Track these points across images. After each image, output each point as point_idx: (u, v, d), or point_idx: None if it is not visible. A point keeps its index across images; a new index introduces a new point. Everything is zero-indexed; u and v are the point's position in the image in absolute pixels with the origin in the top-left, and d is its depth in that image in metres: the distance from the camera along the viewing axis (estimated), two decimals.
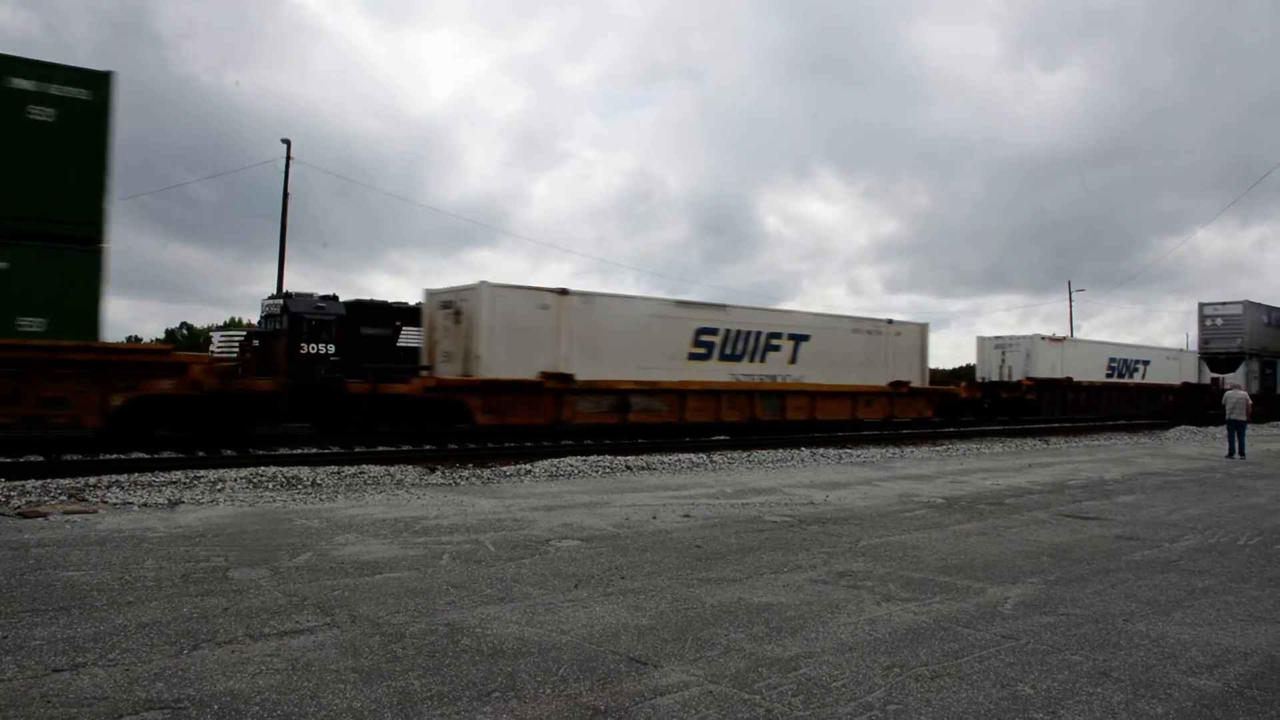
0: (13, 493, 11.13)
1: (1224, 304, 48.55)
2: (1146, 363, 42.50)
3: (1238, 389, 23.37)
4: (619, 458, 17.49)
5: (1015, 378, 36.23)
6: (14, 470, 13.19)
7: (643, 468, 16.46)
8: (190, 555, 7.67)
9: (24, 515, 9.63)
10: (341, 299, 26.81)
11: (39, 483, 11.97)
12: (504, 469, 15.51)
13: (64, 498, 11.01)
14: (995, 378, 36.93)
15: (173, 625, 5.56)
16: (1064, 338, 38.51)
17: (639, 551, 8.35)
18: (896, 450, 22.54)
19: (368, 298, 27.88)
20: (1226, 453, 22.43)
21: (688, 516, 10.53)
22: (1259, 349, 47.64)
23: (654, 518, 10.36)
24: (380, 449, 18.13)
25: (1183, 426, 37.38)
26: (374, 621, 5.77)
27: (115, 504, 10.57)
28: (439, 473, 14.81)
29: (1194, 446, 26.47)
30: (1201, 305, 49.26)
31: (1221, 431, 25.30)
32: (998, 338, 37.99)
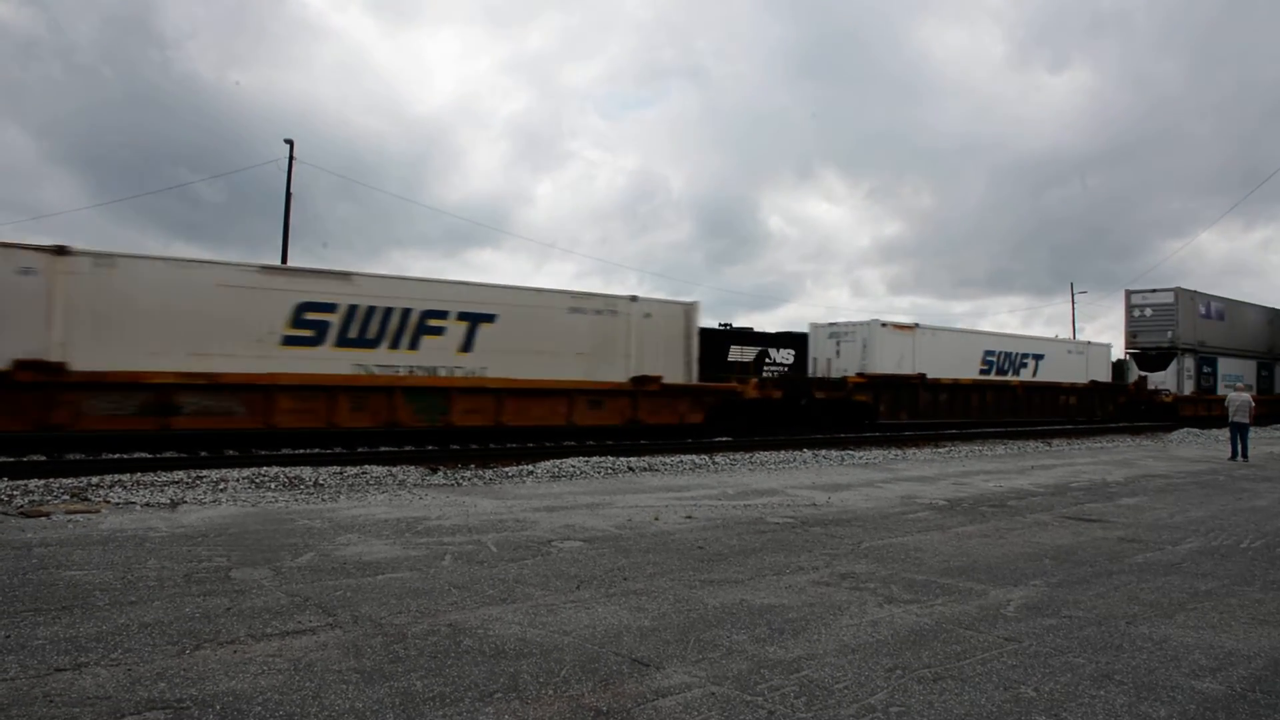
0: (15, 492, 11.15)
1: (1153, 291, 42.07)
2: (1039, 357, 36.23)
3: (1240, 391, 23.32)
4: (621, 459, 17.49)
5: (850, 373, 28.98)
6: (17, 470, 13.21)
7: (645, 469, 16.46)
8: (193, 555, 7.68)
9: (27, 515, 9.64)
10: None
11: (41, 482, 11.99)
12: (506, 469, 15.51)
13: (66, 497, 11.02)
14: (826, 374, 29.90)
15: (175, 625, 5.56)
16: (915, 325, 30.85)
17: (641, 553, 8.35)
18: (899, 452, 22.52)
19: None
20: (1229, 455, 22.40)
21: (690, 518, 10.52)
22: (1194, 343, 41.68)
23: (656, 519, 10.35)
24: (383, 449, 18.12)
25: (1185, 429, 37.21)
26: (376, 622, 5.77)
27: (118, 504, 10.58)
28: (441, 473, 14.81)
29: (1196, 449, 26.44)
30: (1129, 293, 42.56)
31: (1224, 434, 25.26)
32: (833, 325, 30.68)
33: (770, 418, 25.74)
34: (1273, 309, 49.59)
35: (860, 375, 28.56)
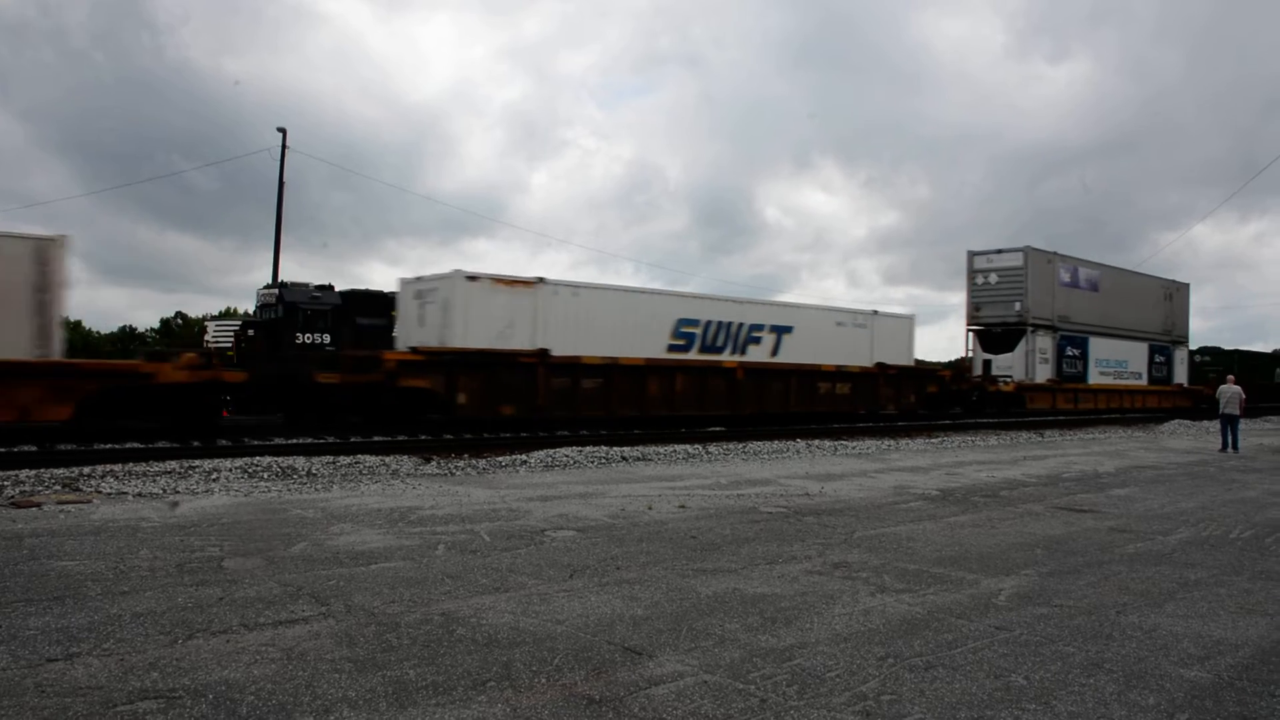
0: (6, 482, 11.12)
1: (999, 252, 33.77)
2: (782, 330, 25.61)
3: (1232, 383, 23.41)
4: (614, 448, 17.49)
5: (430, 344, 20.12)
6: (8, 460, 13.17)
7: (638, 458, 16.47)
8: (185, 545, 7.67)
9: (18, 505, 9.62)
10: (337, 289, 26.84)
11: (33, 472, 11.95)
12: (499, 459, 15.51)
13: (58, 487, 10.99)
14: (414, 344, 20.70)
15: (167, 615, 5.56)
16: (538, 280, 21.00)
17: (634, 542, 8.36)
18: (892, 442, 22.57)
19: (363, 287, 27.89)
20: (1220, 447, 22.51)
21: (683, 507, 10.54)
22: (1050, 318, 34.12)
23: (649, 508, 10.37)
24: (376, 439, 18.10)
25: (1176, 421, 37.26)
26: (369, 611, 5.77)
27: (110, 494, 10.56)
28: (434, 463, 14.81)
29: (1188, 440, 26.56)
30: (971, 255, 34.55)
31: (1215, 425, 25.38)
32: (419, 279, 21.40)
33: (195, 411, 17.69)
34: (1170, 281, 43.26)
35: (421, 350, 19.93)
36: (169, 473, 12.34)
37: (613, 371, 21.94)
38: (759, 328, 25.30)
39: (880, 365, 28.46)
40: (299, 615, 5.64)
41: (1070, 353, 35.22)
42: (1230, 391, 22.81)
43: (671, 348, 23.43)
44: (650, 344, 22.95)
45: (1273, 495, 13.31)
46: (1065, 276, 35.43)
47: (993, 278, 33.82)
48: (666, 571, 7.18)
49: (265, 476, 12.50)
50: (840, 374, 27.22)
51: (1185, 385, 43.53)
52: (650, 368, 22.60)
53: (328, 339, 25.34)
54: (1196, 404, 42.33)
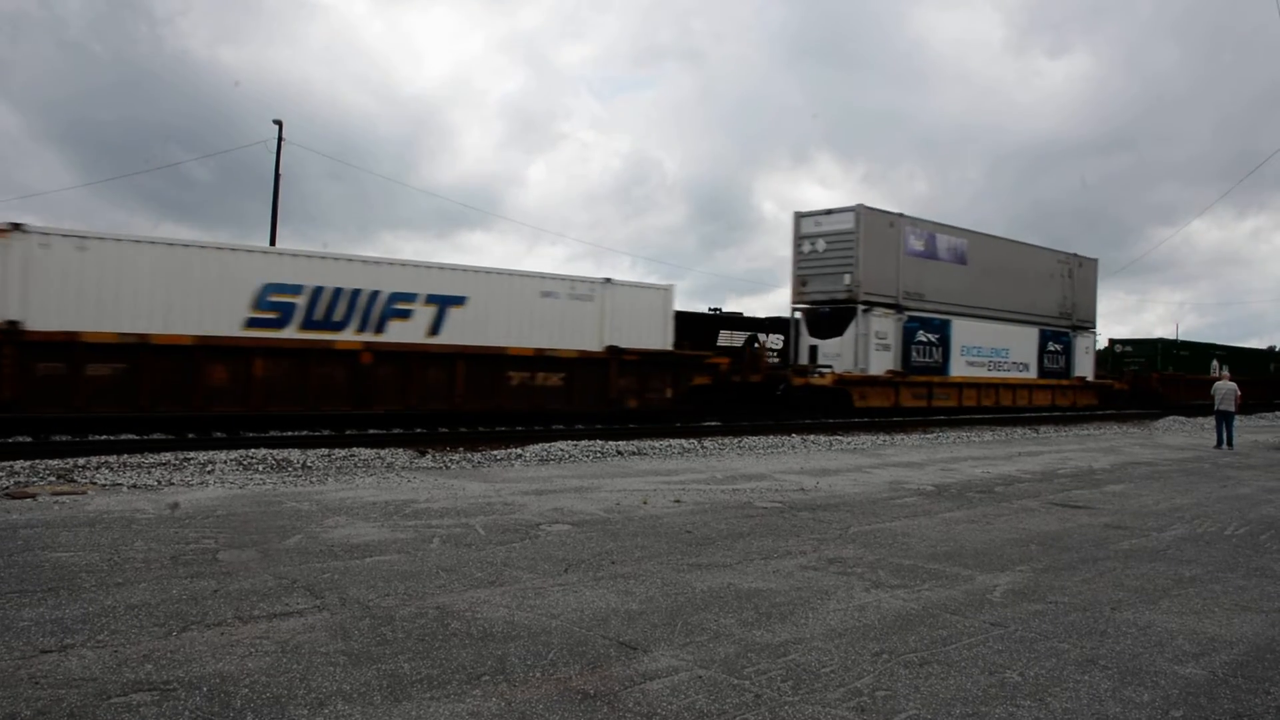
0: (1, 473, 11.09)
1: (829, 213, 27.03)
2: (452, 301, 19.75)
3: (1226, 379, 23.44)
4: (610, 443, 17.50)
5: None
6: (2, 451, 13.14)
7: (634, 453, 16.48)
8: (180, 537, 7.66)
9: (12, 496, 9.59)
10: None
11: (27, 463, 11.93)
12: (495, 453, 15.50)
13: (53, 479, 10.97)
14: None
15: (162, 607, 5.55)
16: (10, 226, 15.23)
17: (629, 536, 8.36)
18: (887, 437, 22.59)
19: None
20: (1215, 443, 22.56)
21: (678, 502, 10.54)
22: (894, 295, 27.55)
23: (645, 503, 10.37)
24: (371, 432, 18.08)
25: (1171, 417, 37.25)
26: (364, 604, 5.77)
27: (104, 485, 10.54)
28: (429, 456, 14.80)
29: (1182, 437, 26.62)
30: (798, 217, 28.11)
31: (1209, 422, 25.43)
32: None
33: None
34: (1069, 255, 36.07)
35: None
36: (164, 464, 12.32)
37: (142, 354, 16.03)
38: (406, 298, 19.15)
39: (613, 349, 22.00)
40: (294, 608, 5.63)
41: (923, 338, 28.43)
42: (1225, 388, 22.85)
43: (254, 322, 17.46)
44: (220, 318, 17.08)
45: (1267, 492, 13.34)
46: (916, 244, 28.27)
47: (820, 245, 26.69)
48: (661, 566, 7.18)
49: (260, 469, 12.49)
50: (544, 360, 20.88)
51: (1090, 379, 36.98)
52: (209, 349, 16.69)
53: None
54: (1105, 400, 38.14)
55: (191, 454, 13.33)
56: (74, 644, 4.80)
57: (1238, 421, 23.54)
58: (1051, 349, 34.75)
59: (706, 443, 18.79)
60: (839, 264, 26.64)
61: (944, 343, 29.69)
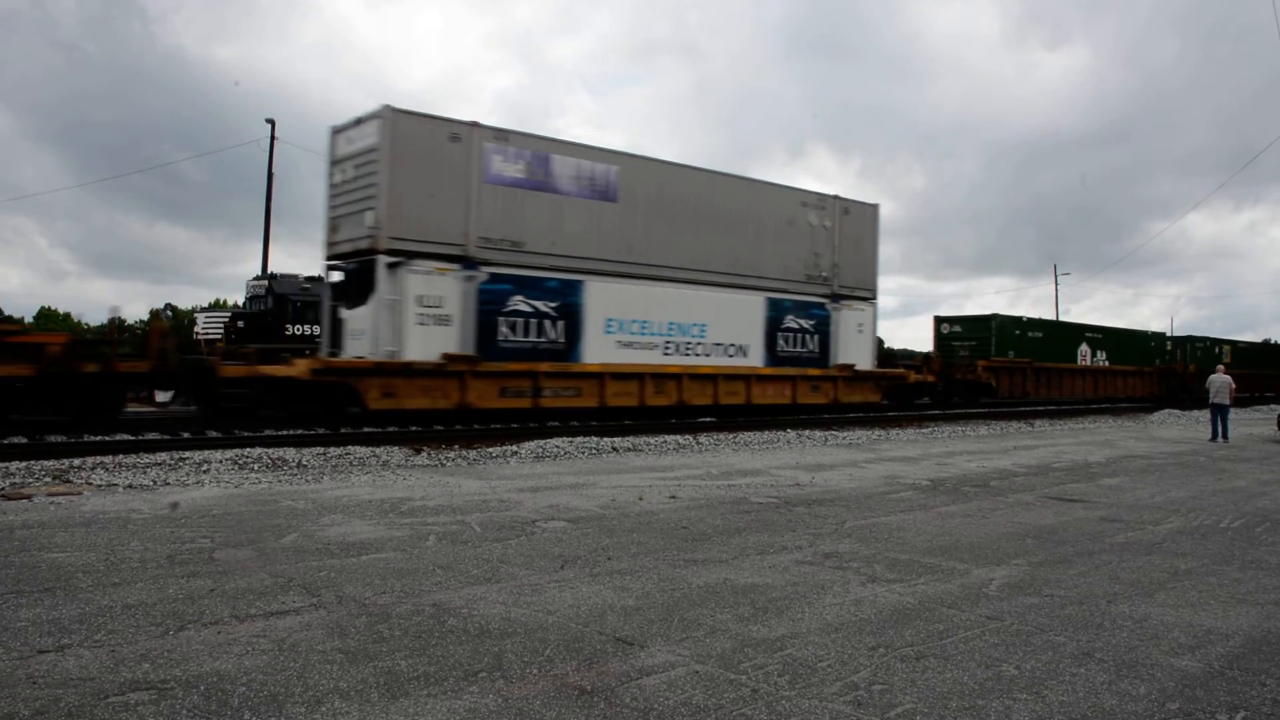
0: None
1: (358, 122, 18.62)
2: None
3: (1222, 372, 23.50)
4: (605, 439, 17.50)
5: None
6: None
7: (629, 449, 16.48)
8: (176, 536, 7.65)
9: (7, 497, 9.57)
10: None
11: (22, 464, 11.90)
12: (490, 450, 15.50)
13: (48, 479, 10.95)
14: None
15: (159, 606, 5.54)
16: None
17: (625, 532, 8.36)
18: (883, 432, 22.62)
19: None
20: (1210, 436, 22.62)
21: (674, 498, 10.55)
22: (457, 242, 18.52)
23: (640, 499, 10.37)
24: (366, 430, 18.07)
25: (1166, 410, 37.20)
26: (360, 602, 5.77)
27: (100, 485, 10.52)
28: (425, 454, 14.79)
29: (1177, 430, 26.68)
30: (333, 132, 19.32)
31: (1204, 415, 25.50)
32: None
33: None
34: (827, 196, 26.07)
35: None
36: (159, 464, 12.30)
37: None
38: None
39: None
40: (290, 606, 5.63)
41: (525, 307, 19.56)
42: (1220, 381, 22.90)
43: None
44: None
45: (1262, 485, 13.38)
46: (509, 169, 19.35)
47: (349, 170, 18.81)
48: (658, 562, 7.18)
49: (256, 468, 12.48)
50: None
51: (864, 366, 26.85)
52: None
53: (318, 330, 25.23)
54: (896, 396, 29.71)
55: (187, 454, 13.31)
56: (71, 644, 4.80)
57: (1232, 414, 23.58)
58: (791, 326, 24.89)
59: (701, 438, 18.80)
60: (363, 198, 18.19)
61: (571, 314, 20.26)
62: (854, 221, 26.52)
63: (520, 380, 19.49)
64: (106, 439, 15.07)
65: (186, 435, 16.26)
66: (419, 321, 18.01)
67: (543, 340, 19.88)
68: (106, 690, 4.16)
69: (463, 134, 18.67)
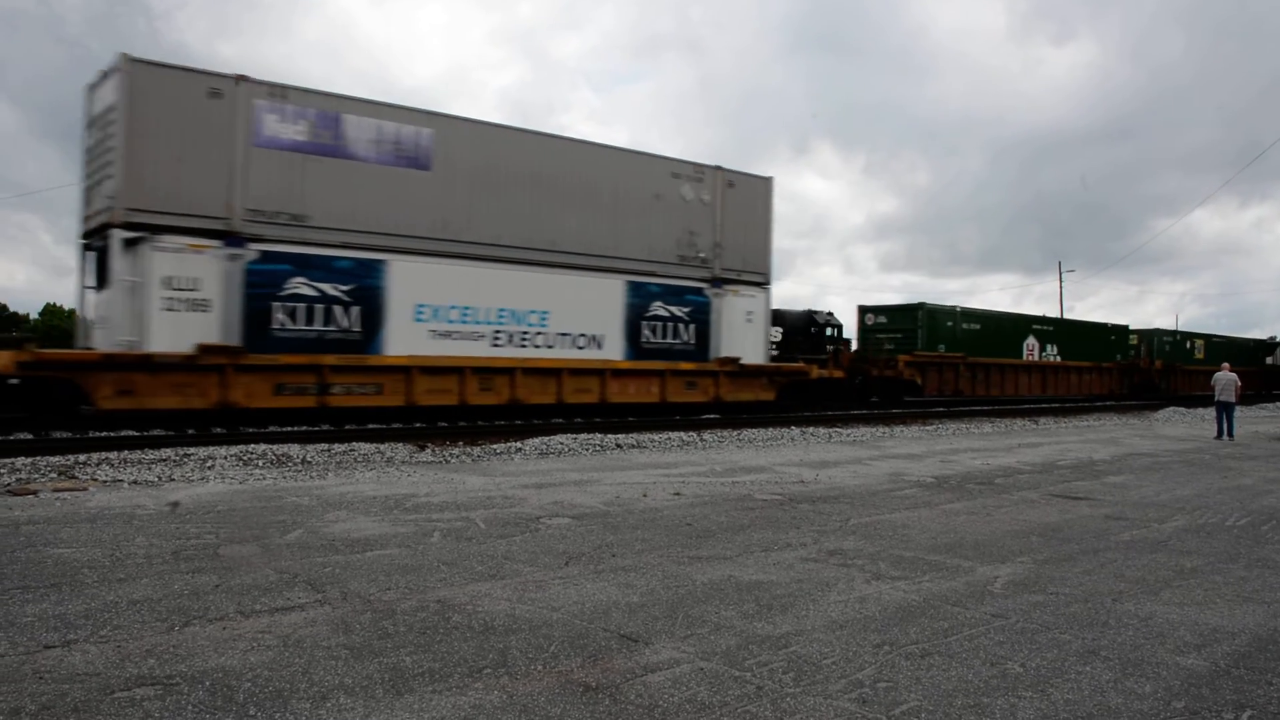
0: (2, 470, 11.10)
1: (104, 76, 15.92)
2: None
3: (1228, 370, 23.44)
4: (609, 435, 17.50)
5: None
6: (3, 448, 13.13)
7: (633, 445, 16.48)
8: (181, 532, 7.66)
9: (14, 493, 9.59)
10: None
11: (28, 460, 11.93)
12: (494, 446, 15.50)
13: (54, 475, 10.98)
14: None
15: (164, 602, 5.55)
16: None
17: (630, 529, 8.36)
18: (887, 429, 22.59)
19: None
20: (1215, 434, 22.57)
21: (678, 494, 10.54)
22: (217, 214, 15.84)
23: (644, 495, 10.37)
24: (371, 427, 18.09)
25: (1172, 408, 37.06)
26: (365, 598, 5.77)
27: (105, 481, 10.55)
28: (429, 450, 14.80)
29: (1182, 428, 26.62)
30: (89, 90, 16.54)
31: (1209, 413, 25.45)
32: None
33: None
34: (701, 166, 22.65)
35: None
36: (164, 460, 12.32)
37: None
38: None
39: None
40: (295, 602, 5.64)
41: (308, 291, 16.87)
42: (1226, 379, 22.85)
43: None
44: None
45: (1269, 483, 13.35)
46: (288, 130, 16.77)
47: (97, 133, 16.36)
48: (662, 559, 7.18)
49: (260, 464, 12.50)
50: None
51: (754, 361, 23.50)
52: None
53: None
54: (795, 394, 25.73)
55: (191, 450, 13.33)
56: (77, 639, 4.81)
57: (1238, 412, 23.53)
58: (660, 314, 21.85)
59: (706, 435, 18.80)
60: (106, 164, 15.72)
61: (369, 299, 17.60)
62: (741, 197, 23.32)
63: (302, 375, 16.85)
64: (112, 435, 15.10)
65: (191, 431, 16.29)
66: (166, 307, 15.48)
67: (332, 329, 17.14)
68: (112, 685, 4.17)
69: (225, 90, 16.05)
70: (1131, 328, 43.33)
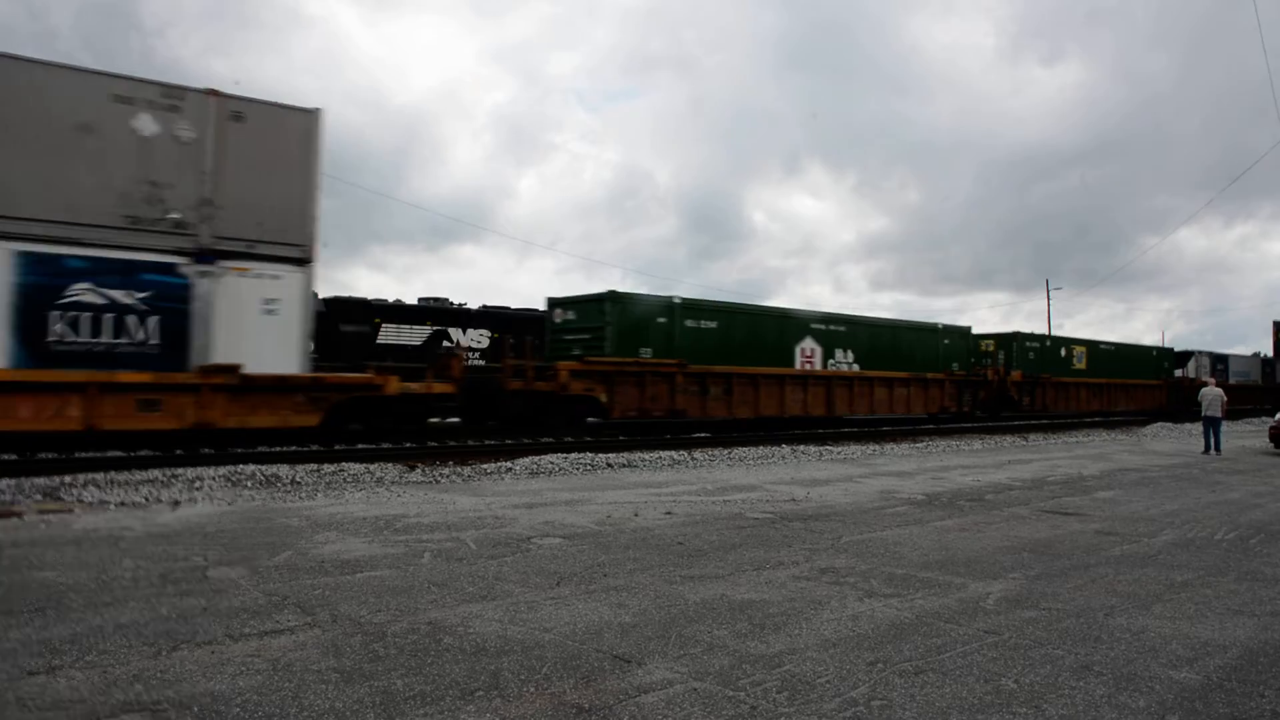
0: None
1: None
2: None
3: (1213, 384, 23.56)
4: (600, 455, 17.47)
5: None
6: None
7: (624, 465, 16.44)
8: (168, 555, 7.59)
9: None
10: (320, 296, 26.70)
11: (13, 481, 11.81)
12: (484, 466, 15.45)
13: (39, 497, 10.87)
14: None
15: (151, 626, 5.49)
16: None
17: (621, 549, 8.33)
18: (877, 447, 22.62)
19: (346, 294, 27.56)
20: (1203, 449, 22.66)
21: (669, 514, 10.51)
22: None
23: (636, 515, 10.34)
24: (360, 446, 18.00)
25: (1159, 424, 37.25)
26: (355, 621, 5.72)
27: (91, 503, 10.45)
28: (419, 470, 14.73)
29: (1170, 443, 26.73)
30: None
31: (1196, 428, 25.56)
32: None
33: None
34: (206, 93, 14.77)
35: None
36: (151, 481, 12.22)
37: None
38: None
39: None
40: (284, 625, 5.58)
41: None
42: (1212, 394, 22.97)
43: None
44: None
45: (1256, 496, 13.40)
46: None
47: None
48: (654, 578, 7.15)
49: (249, 485, 12.41)
50: None
51: (290, 371, 15.46)
52: None
53: (311, 346, 25.04)
54: (359, 414, 17.24)
55: (179, 470, 13.23)
56: (62, 665, 4.75)
57: (1224, 427, 23.64)
58: (89, 302, 13.87)
59: (696, 454, 18.78)
60: None
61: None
62: (255, 135, 15.48)
63: None
64: (98, 455, 14.99)
65: (179, 452, 16.18)
66: None
67: None
68: (98, 712, 4.12)
69: None
70: (988, 332, 36.18)
